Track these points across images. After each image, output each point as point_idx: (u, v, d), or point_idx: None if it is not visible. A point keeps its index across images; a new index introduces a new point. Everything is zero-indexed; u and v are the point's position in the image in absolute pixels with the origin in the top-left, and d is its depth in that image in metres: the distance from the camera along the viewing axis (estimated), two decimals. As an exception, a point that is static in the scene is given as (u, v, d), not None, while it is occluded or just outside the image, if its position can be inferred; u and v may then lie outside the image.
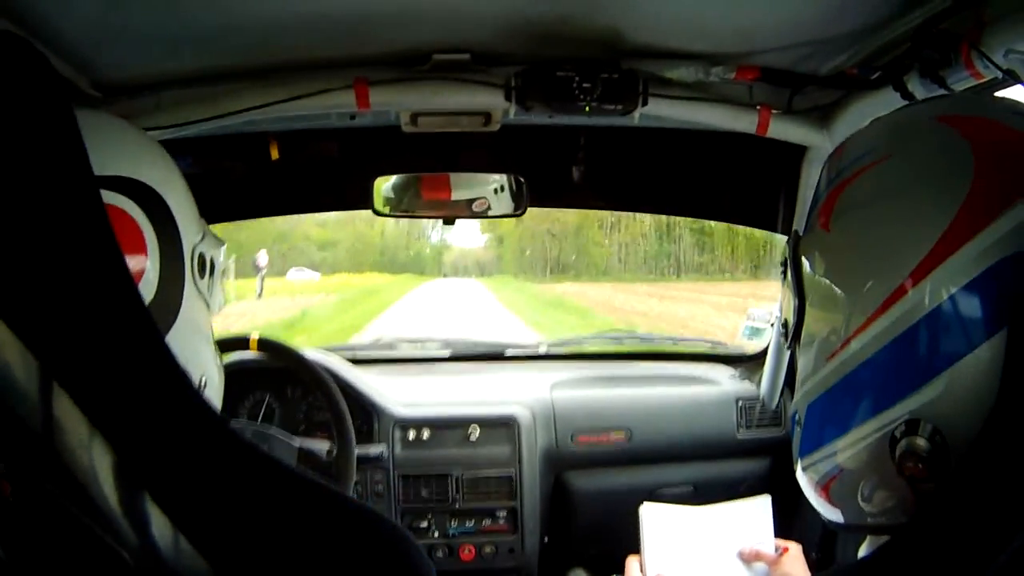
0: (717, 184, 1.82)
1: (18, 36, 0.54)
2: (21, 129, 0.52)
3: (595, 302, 18.26)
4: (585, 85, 1.20)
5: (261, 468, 0.59)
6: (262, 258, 14.85)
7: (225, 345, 1.49)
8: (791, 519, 1.50)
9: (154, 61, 1.20)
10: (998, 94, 1.04)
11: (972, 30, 0.93)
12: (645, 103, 1.23)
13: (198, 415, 0.57)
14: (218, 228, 0.97)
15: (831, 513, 0.71)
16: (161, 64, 1.22)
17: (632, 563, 1.19)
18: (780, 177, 1.63)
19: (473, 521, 1.71)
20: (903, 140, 0.67)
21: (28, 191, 0.51)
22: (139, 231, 0.79)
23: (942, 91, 1.02)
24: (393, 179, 1.63)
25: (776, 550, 1.19)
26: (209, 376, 0.91)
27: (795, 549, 1.19)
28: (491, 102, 1.29)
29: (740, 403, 1.83)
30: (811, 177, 1.49)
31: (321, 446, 1.56)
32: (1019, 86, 0.93)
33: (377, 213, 1.64)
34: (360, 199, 1.62)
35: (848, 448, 0.65)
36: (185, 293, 0.84)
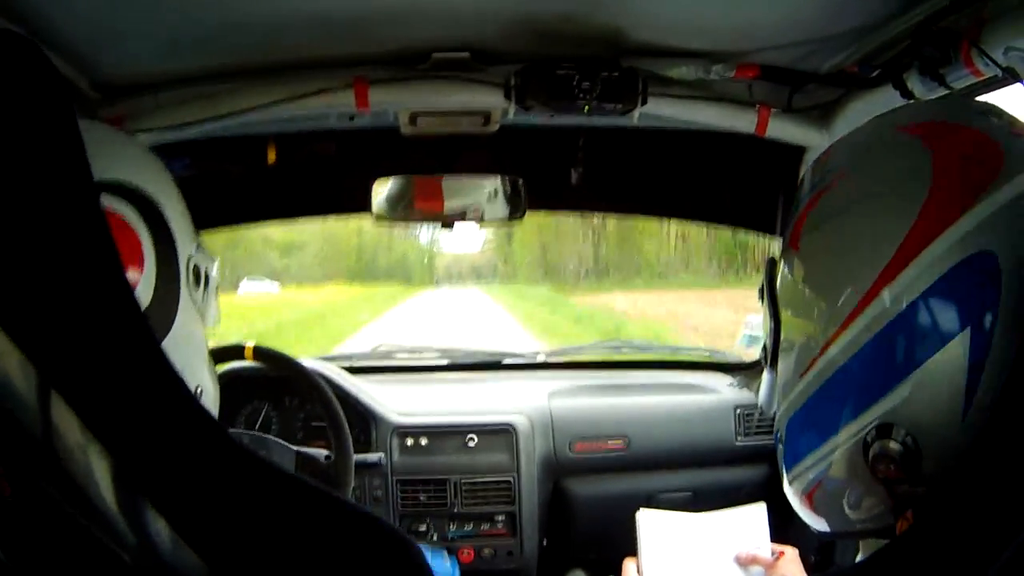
0: (716, 187, 1.82)
1: (21, 35, 0.54)
2: (21, 130, 0.52)
3: (686, 324, 12.18)
4: (584, 84, 1.20)
5: (258, 472, 0.59)
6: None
7: (220, 354, 1.48)
8: (789, 525, 1.49)
9: (153, 61, 1.20)
10: (997, 92, 1.05)
11: (972, 28, 0.93)
12: (645, 102, 1.24)
13: (195, 420, 0.57)
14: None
15: (818, 523, 0.73)
16: (160, 64, 1.22)
17: (629, 565, 1.18)
18: (779, 180, 1.63)
19: (472, 525, 1.71)
20: (862, 154, 0.68)
21: (27, 194, 0.51)
22: (136, 238, 0.79)
23: (942, 89, 1.02)
24: (388, 188, 1.64)
25: (772, 554, 1.19)
26: (205, 386, 0.90)
27: (792, 553, 1.19)
28: (490, 101, 1.29)
29: (738, 411, 1.83)
30: (809, 178, 1.49)
31: (319, 453, 1.55)
32: (1019, 84, 0.93)
33: (376, 217, 1.64)
34: (359, 203, 1.61)
35: (826, 457, 0.66)
36: (180, 303, 0.84)
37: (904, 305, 0.59)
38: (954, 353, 0.57)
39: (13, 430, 0.49)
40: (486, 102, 1.30)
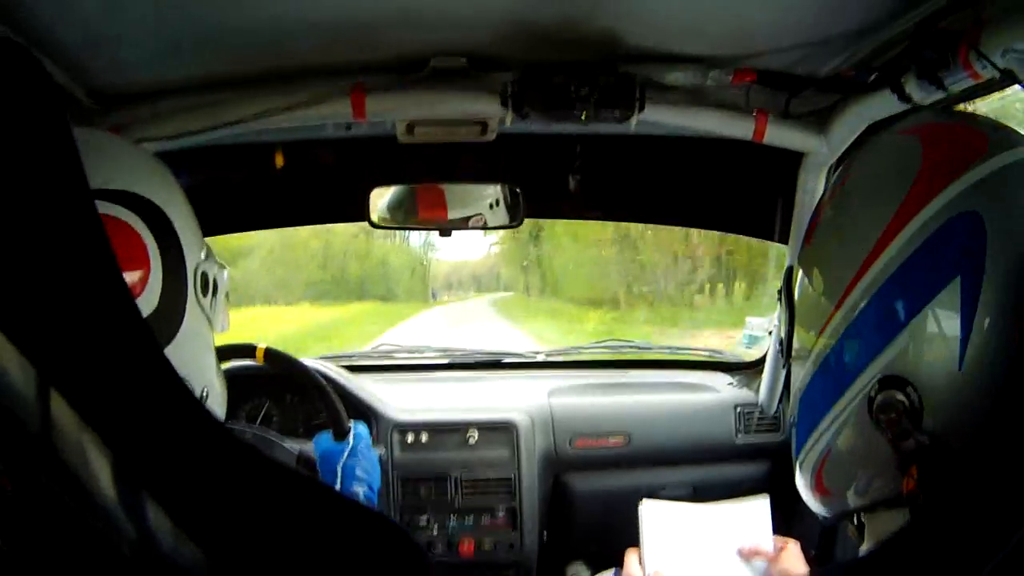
0: (715, 194, 1.82)
1: (14, 42, 0.53)
2: (14, 138, 0.52)
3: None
4: (582, 91, 1.20)
5: (259, 467, 0.59)
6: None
7: (230, 352, 1.48)
8: (790, 521, 1.50)
9: (149, 70, 1.20)
10: (996, 94, 1.05)
11: (970, 30, 0.93)
12: (642, 109, 1.24)
13: (196, 418, 0.57)
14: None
15: (826, 504, 0.76)
16: (156, 73, 1.22)
17: (631, 556, 1.18)
18: (777, 187, 1.63)
19: (472, 518, 1.71)
20: (865, 152, 0.76)
21: (20, 200, 0.51)
22: (142, 244, 0.80)
23: (940, 92, 1.02)
24: (389, 195, 1.64)
25: (775, 547, 1.19)
26: (211, 388, 0.92)
27: (794, 546, 1.19)
28: (488, 110, 1.29)
29: (738, 409, 1.84)
30: (808, 183, 1.48)
31: None
32: (1018, 86, 0.93)
33: (373, 225, 1.64)
34: (357, 210, 1.61)
35: (834, 422, 0.69)
36: (187, 309, 0.85)
37: (897, 266, 0.64)
38: (945, 302, 0.61)
39: (12, 426, 0.49)
40: (483, 111, 1.29)
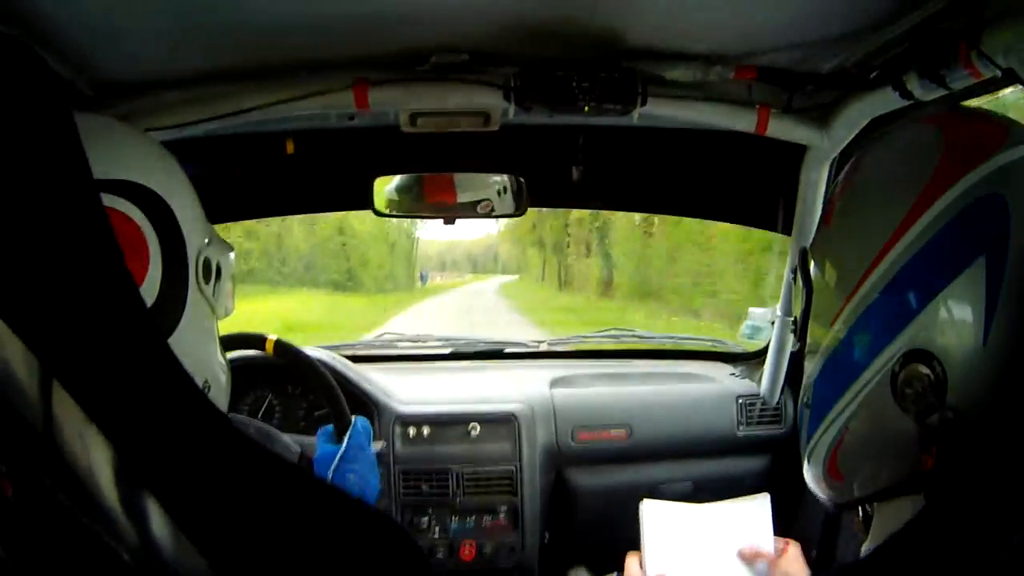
0: (718, 184, 1.82)
1: (13, 37, 0.54)
2: (18, 132, 0.52)
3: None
4: (584, 85, 1.20)
5: (262, 464, 0.60)
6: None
7: (239, 342, 1.48)
8: (791, 518, 1.51)
9: (153, 61, 1.20)
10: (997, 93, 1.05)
11: (971, 29, 0.93)
12: (644, 103, 1.23)
13: (200, 413, 0.57)
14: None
15: (837, 491, 0.76)
16: (159, 64, 1.22)
17: (631, 561, 1.19)
18: (780, 177, 1.63)
19: (473, 518, 1.71)
20: (881, 141, 0.76)
21: (25, 194, 0.52)
22: (141, 236, 0.79)
23: (942, 90, 1.02)
24: (396, 180, 1.64)
25: (776, 549, 1.20)
26: (214, 378, 0.91)
27: (795, 548, 1.19)
28: (490, 102, 1.29)
29: (740, 400, 1.84)
30: (811, 177, 1.48)
31: None
32: (1019, 85, 0.93)
33: (378, 213, 1.64)
34: (361, 199, 1.62)
35: (853, 401, 0.70)
36: (189, 298, 0.84)
37: (921, 246, 0.65)
38: (971, 279, 0.62)
39: (15, 425, 0.50)
40: (486, 103, 1.29)
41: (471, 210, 1.65)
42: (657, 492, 1.70)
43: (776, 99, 1.32)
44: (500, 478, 1.72)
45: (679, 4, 1.05)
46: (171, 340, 0.81)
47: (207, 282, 0.87)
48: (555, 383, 1.87)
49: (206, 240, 0.88)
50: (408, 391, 1.82)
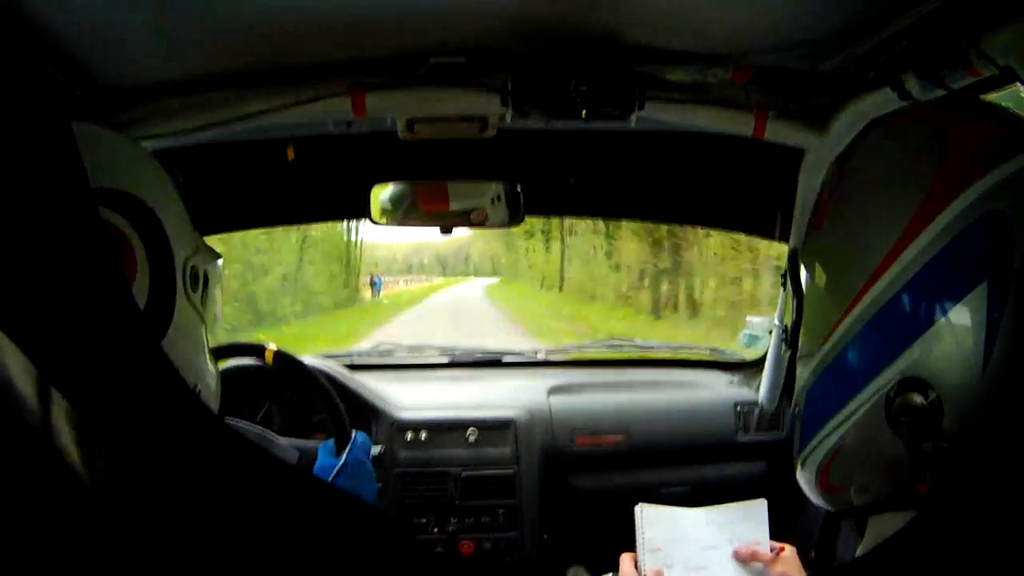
0: (715, 192, 1.82)
1: (11, 43, 0.54)
2: (14, 137, 0.52)
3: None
4: (581, 88, 1.20)
5: (260, 465, 0.59)
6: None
7: (238, 350, 1.49)
8: (789, 521, 1.50)
9: (149, 67, 1.20)
10: (996, 93, 1.05)
11: (970, 28, 0.93)
12: (642, 106, 1.23)
13: (195, 415, 0.57)
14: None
15: (830, 500, 0.75)
16: (158, 71, 1.22)
17: (626, 561, 1.18)
18: (778, 184, 1.63)
19: (472, 518, 1.71)
20: (881, 137, 0.73)
21: (20, 198, 0.51)
22: (129, 245, 0.80)
23: (940, 90, 1.02)
24: (390, 189, 1.64)
25: (772, 551, 1.19)
26: (204, 384, 0.91)
27: (791, 550, 1.19)
28: (487, 107, 1.29)
29: (739, 408, 1.84)
30: (809, 181, 1.48)
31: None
32: (1018, 84, 0.93)
33: (374, 222, 1.64)
34: (358, 207, 1.62)
35: (847, 420, 0.68)
36: (176, 306, 0.85)
37: (920, 266, 0.62)
38: (972, 306, 0.60)
39: (15, 424, 0.49)
40: (483, 108, 1.30)
41: (464, 219, 1.64)
42: (654, 496, 1.70)
43: (773, 102, 1.32)
44: (498, 481, 1.72)
45: (676, 4, 1.05)
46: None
47: (195, 291, 0.88)
48: (553, 391, 1.87)
49: (193, 249, 0.89)
50: (406, 398, 1.82)
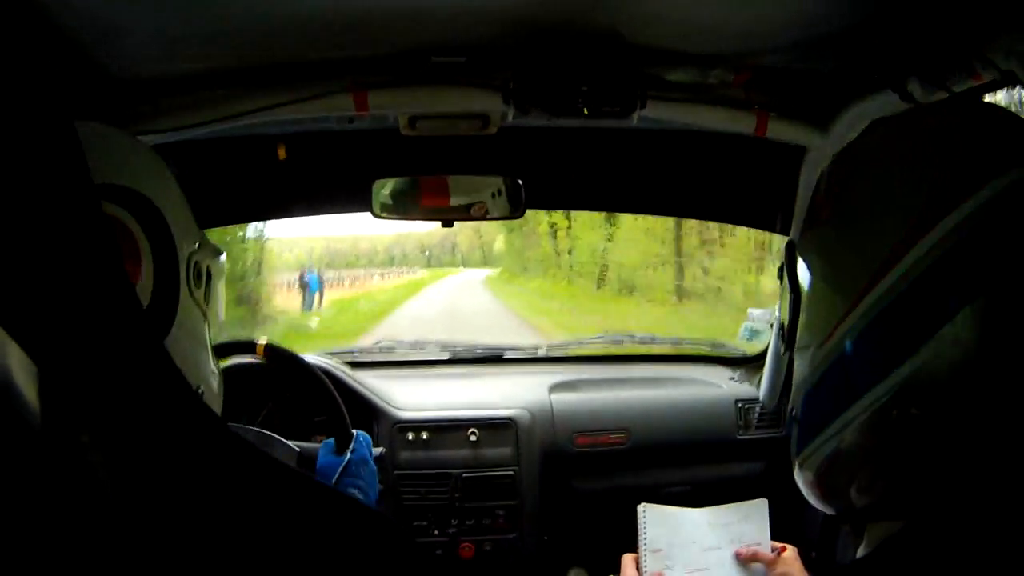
0: (717, 185, 1.81)
1: (18, 36, 0.54)
2: (17, 133, 0.52)
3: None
4: (583, 87, 1.20)
5: (260, 466, 0.59)
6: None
7: (230, 349, 1.48)
8: (790, 520, 1.50)
9: (153, 63, 1.20)
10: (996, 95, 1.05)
11: (972, 31, 0.93)
12: (643, 105, 1.23)
13: (197, 416, 0.57)
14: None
15: (827, 503, 0.73)
16: (160, 67, 1.22)
17: (628, 561, 1.19)
18: (779, 177, 1.63)
19: (473, 520, 1.71)
20: (889, 137, 0.70)
21: (23, 193, 0.51)
22: (133, 241, 0.79)
23: (942, 93, 1.02)
24: (391, 184, 1.64)
25: (773, 551, 1.20)
26: (207, 384, 0.91)
27: (792, 551, 1.19)
28: (489, 105, 1.29)
29: (740, 405, 1.84)
30: (810, 178, 1.48)
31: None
32: (1019, 87, 0.93)
33: (376, 216, 1.64)
34: (359, 202, 1.62)
35: (844, 428, 0.66)
36: (180, 303, 0.84)
37: (924, 270, 0.60)
38: (969, 318, 0.58)
39: (16, 424, 0.49)
40: (485, 106, 1.30)
41: (465, 212, 1.64)
42: (656, 496, 1.70)
43: (776, 101, 1.32)
44: (499, 481, 1.72)
45: (678, 5, 1.05)
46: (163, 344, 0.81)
47: (198, 287, 0.87)
48: (554, 388, 1.87)
49: (196, 244, 0.88)
50: (407, 397, 1.82)
